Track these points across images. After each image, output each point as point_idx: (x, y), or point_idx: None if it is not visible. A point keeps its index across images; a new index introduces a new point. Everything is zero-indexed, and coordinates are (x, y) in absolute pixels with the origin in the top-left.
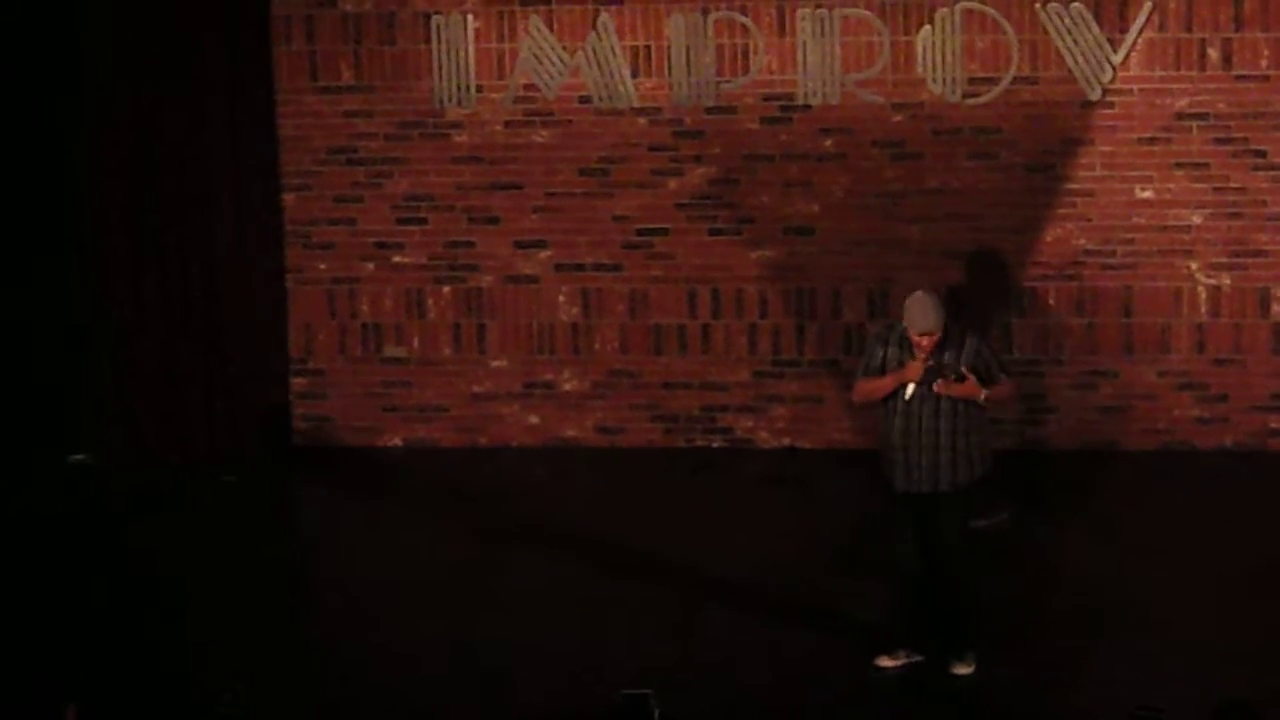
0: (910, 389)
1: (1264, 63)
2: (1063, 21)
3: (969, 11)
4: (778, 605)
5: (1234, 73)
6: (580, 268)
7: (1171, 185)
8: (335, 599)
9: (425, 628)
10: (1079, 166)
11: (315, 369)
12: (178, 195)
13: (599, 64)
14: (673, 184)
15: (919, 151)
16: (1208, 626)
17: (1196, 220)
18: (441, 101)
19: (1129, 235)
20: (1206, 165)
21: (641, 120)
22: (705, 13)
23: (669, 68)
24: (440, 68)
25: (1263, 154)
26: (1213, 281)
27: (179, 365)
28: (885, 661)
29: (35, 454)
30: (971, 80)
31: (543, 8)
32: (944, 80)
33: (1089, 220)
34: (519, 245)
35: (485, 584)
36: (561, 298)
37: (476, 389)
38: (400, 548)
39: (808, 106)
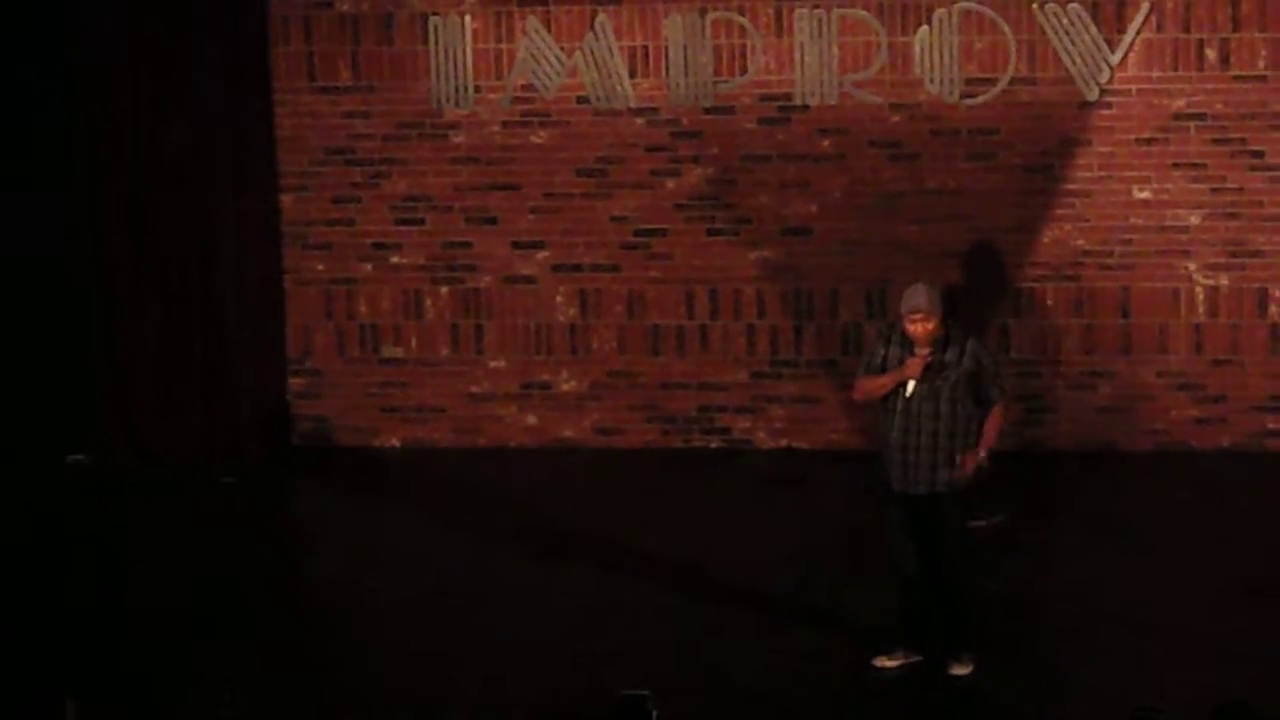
0: (911, 386)
1: (1261, 63)
2: (1060, 22)
3: (967, 12)
4: (775, 605)
5: (1231, 73)
6: (578, 268)
7: (1169, 186)
8: (333, 599)
9: (423, 628)
10: (1077, 167)
11: (313, 369)
12: (176, 196)
13: (597, 64)
14: (670, 184)
15: (917, 152)
16: (1206, 627)
17: (1194, 221)
18: (439, 102)
19: (1127, 236)
20: (1204, 166)
21: (639, 121)
22: (703, 13)
23: (666, 68)
24: (438, 68)
25: (1260, 154)
26: (1210, 282)
27: (177, 366)
28: (883, 662)
29: (34, 454)
30: (969, 81)
31: (540, 8)
32: (942, 81)
33: (1087, 221)
34: (517, 246)
35: (483, 584)
36: (559, 298)
37: (474, 389)
38: (398, 548)
39: (805, 107)
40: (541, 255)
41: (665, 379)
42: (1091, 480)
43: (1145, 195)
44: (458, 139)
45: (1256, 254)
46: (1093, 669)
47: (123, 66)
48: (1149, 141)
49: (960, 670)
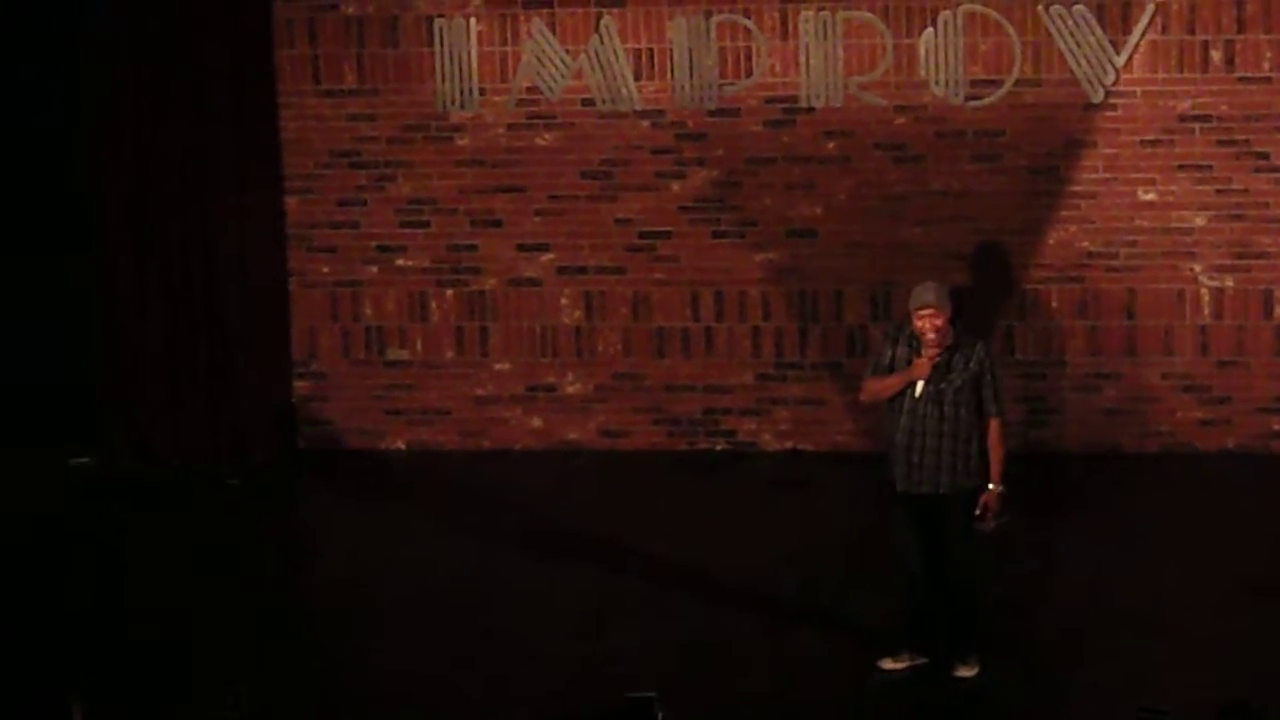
0: (919, 387)
1: (1266, 65)
2: (1065, 24)
3: (971, 14)
4: (781, 607)
5: (1236, 75)
6: (583, 270)
7: (1174, 187)
8: (338, 601)
9: (428, 630)
10: (1082, 169)
11: (318, 372)
12: (181, 198)
13: (601, 67)
14: (675, 187)
15: (921, 154)
16: (1211, 628)
17: (1199, 222)
18: (444, 105)
19: (1132, 237)
20: (1209, 167)
21: (644, 123)
22: (708, 15)
23: (671, 70)
24: (443, 71)
25: (1265, 156)
26: (1215, 284)
27: (182, 368)
28: (889, 664)
29: (38, 457)
30: (974, 83)
31: (545, 11)
32: (946, 83)
33: (1092, 222)
34: (522, 248)
35: (488, 586)
36: (564, 301)
37: (479, 392)
38: (403, 550)
39: (810, 109)
40: (546, 257)
41: (670, 381)
42: (1096, 481)
43: (1150, 197)
44: (463, 141)
45: (1262, 256)
46: (1098, 670)
47: (125, 68)
48: (1154, 143)
49: (966, 672)
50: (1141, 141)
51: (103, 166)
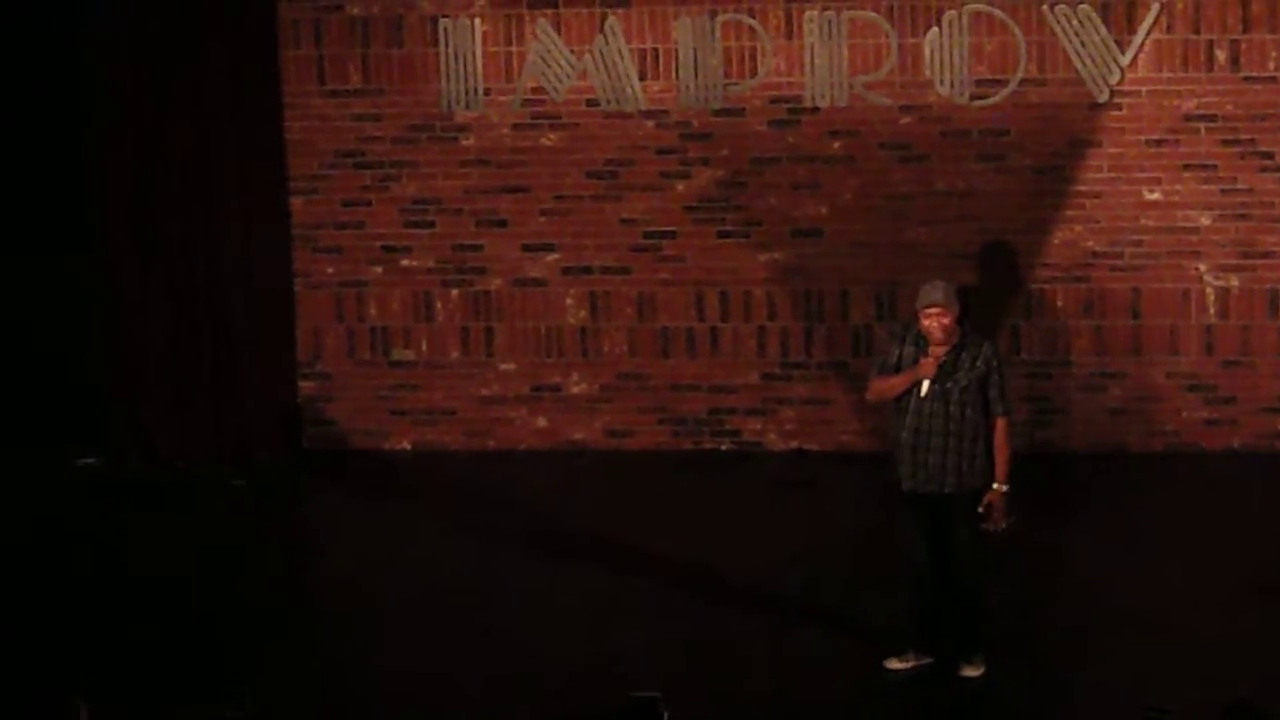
0: (925, 386)
1: (1272, 64)
2: (1070, 23)
3: (976, 13)
4: (786, 607)
5: (1242, 74)
6: (588, 270)
7: (1179, 187)
8: (343, 601)
9: (432, 630)
10: (1087, 168)
11: (323, 372)
12: (185, 199)
13: (606, 67)
14: (680, 187)
15: (927, 153)
16: (1216, 627)
17: (1205, 222)
18: (449, 105)
19: (1137, 237)
20: (1214, 167)
21: (649, 123)
22: (713, 15)
23: (676, 70)
24: (448, 71)
25: (1270, 155)
26: (1221, 283)
27: (188, 369)
28: (894, 664)
29: (43, 457)
30: (979, 82)
31: (550, 11)
32: (952, 82)
33: (1097, 222)
34: (527, 248)
35: (492, 586)
36: (569, 301)
37: (484, 392)
38: (408, 550)
39: (815, 109)
40: (552, 258)
41: (676, 381)
42: (1102, 481)
43: (1155, 196)
44: (467, 142)
45: (1267, 255)
46: (1103, 670)
47: (128, 68)
48: (1159, 143)
49: (971, 672)
50: (1146, 141)
51: (106, 167)
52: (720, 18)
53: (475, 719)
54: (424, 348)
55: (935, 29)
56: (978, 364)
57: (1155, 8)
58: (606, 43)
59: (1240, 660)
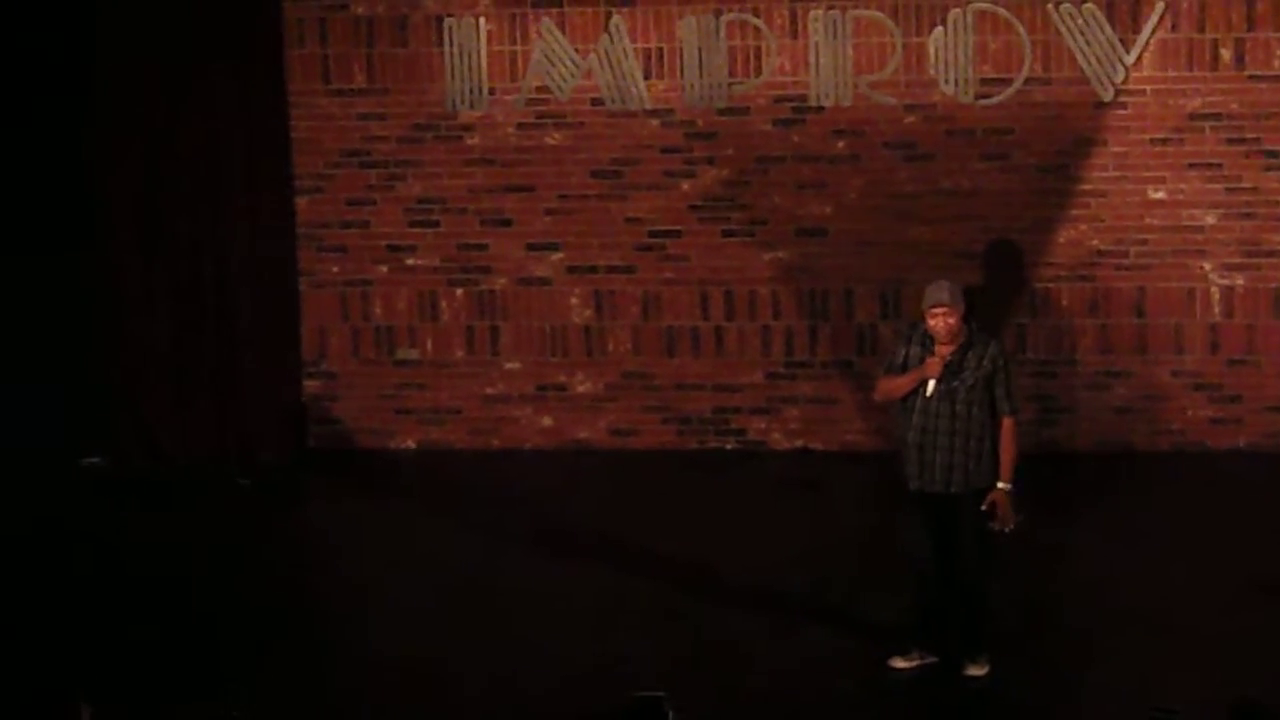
0: (931, 386)
1: (1277, 63)
2: (1075, 22)
3: (981, 12)
4: (791, 606)
5: (1246, 73)
6: (593, 270)
7: (1184, 186)
8: (347, 601)
9: (436, 629)
10: (1092, 167)
11: (328, 371)
12: (190, 197)
13: (611, 66)
14: (685, 186)
15: (931, 153)
16: (1222, 626)
17: (1210, 221)
18: (454, 104)
19: (1142, 236)
20: (1219, 165)
21: (654, 122)
22: (717, 14)
23: (681, 69)
24: (452, 70)
25: (1275, 154)
26: (1226, 282)
27: (192, 368)
28: (899, 663)
29: (46, 457)
30: (984, 81)
31: (555, 10)
32: (956, 81)
33: (1102, 221)
34: (531, 247)
35: (497, 585)
36: (574, 300)
37: (489, 391)
38: (412, 550)
39: (820, 108)
40: (556, 257)
41: (680, 380)
42: (1107, 480)
43: (1160, 195)
44: (472, 141)
45: (1272, 254)
46: (1109, 669)
47: (134, 67)
48: (1164, 141)
49: (976, 671)
50: (1151, 140)
51: (111, 165)
52: (725, 17)
53: (479, 718)
54: (429, 347)
55: (940, 28)
56: (984, 363)
57: (1160, 6)
58: (611, 42)
59: (1246, 659)
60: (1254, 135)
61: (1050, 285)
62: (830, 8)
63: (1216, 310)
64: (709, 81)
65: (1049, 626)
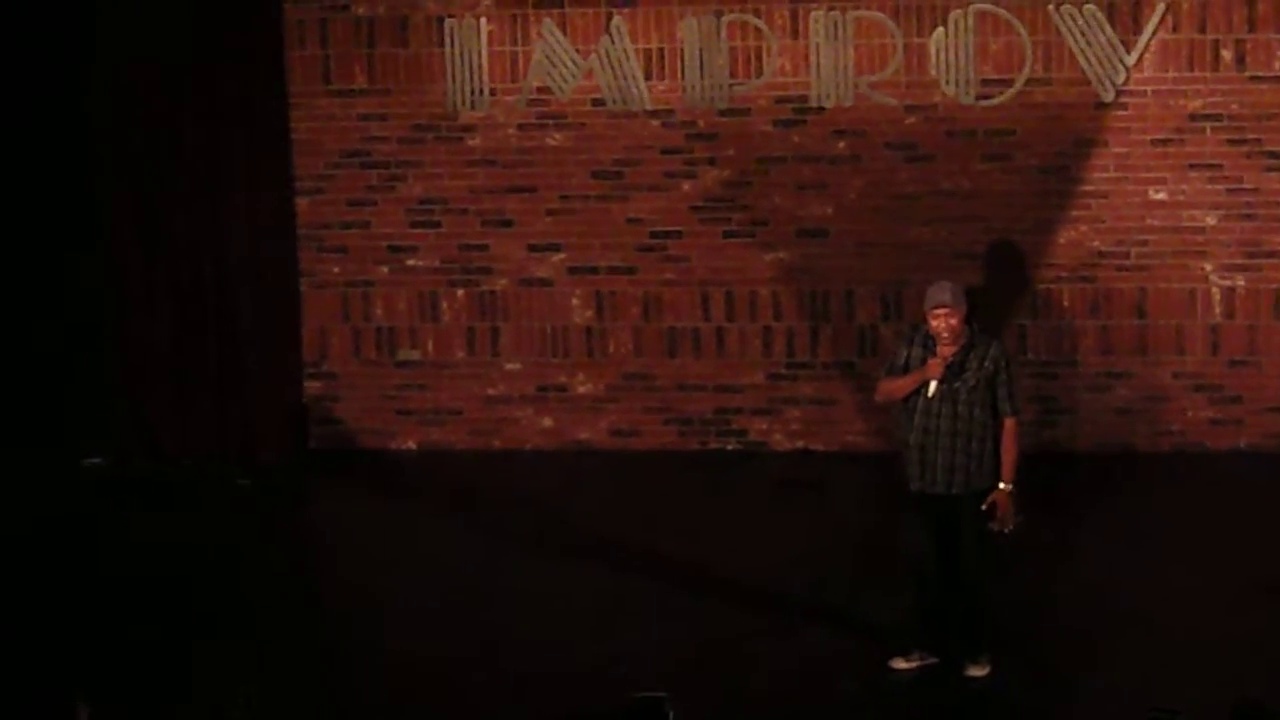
0: (933, 387)
1: (1277, 64)
2: (1076, 23)
3: (982, 13)
4: (791, 606)
5: (1247, 74)
6: (594, 270)
7: (1185, 187)
8: (348, 601)
9: (438, 629)
10: (1092, 168)
11: (329, 372)
12: (190, 198)
13: (612, 67)
14: (686, 186)
15: (932, 153)
16: (1223, 627)
17: (1210, 222)
18: (455, 105)
19: (1143, 237)
20: (1220, 166)
21: (655, 123)
22: (718, 15)
23: (682, 70)
24: (453, 71)
25: (1276, 155)
26: (1227, 283)
27: (193, 369)
28: (899, 663)
29: (48, 456)
30: (985, 82)
31: (555, 11)
32: (957, 82)
33: (1103, 222)
34: (532, 248)
35: (498, 586)
36: (575, 301)
37: (490, 392)
38: (413, 550)
39: (821, 109)
40: (557, 258)
41: (681, 381)
42: (1108, 481)
43: (1161, 196)
44: (473, 141)
45: (1273, 255)
46: (1109, 670)
47: (135, 67)
48: (1165, 142)
49: (977, 672)
50: (1152, 141)
51: (112, 165)
52: (726, 18)
53: (480, 719)
54: (430, 347)
55: (941, 29)
56: (985, 364)
57: (1161, 7)
58: (612, 42)
59: (1247, 660)
60: (1255, 136)
61: (1051, 286)
62: (831, 8)
63: (1217, 311)
64: (710, 82)
65: (1049, 627)
